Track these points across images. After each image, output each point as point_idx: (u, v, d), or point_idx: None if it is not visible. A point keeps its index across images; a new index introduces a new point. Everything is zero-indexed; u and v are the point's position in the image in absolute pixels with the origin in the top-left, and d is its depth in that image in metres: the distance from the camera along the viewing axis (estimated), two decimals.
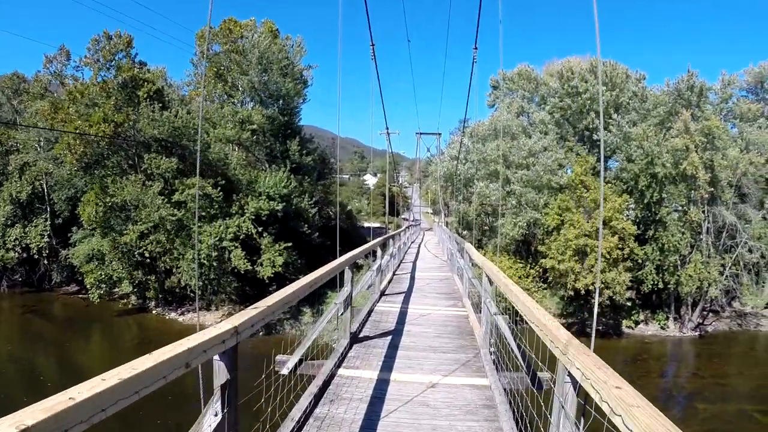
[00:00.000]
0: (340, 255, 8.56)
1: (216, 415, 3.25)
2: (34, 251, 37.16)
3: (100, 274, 32.16)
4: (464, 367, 7.19)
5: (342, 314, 8.10)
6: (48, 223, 37.76)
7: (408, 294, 14.14)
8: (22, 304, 34.81)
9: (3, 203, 37.46)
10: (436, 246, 37.47)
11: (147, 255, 31.03)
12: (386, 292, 14.17)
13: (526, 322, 4.46)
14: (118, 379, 2.12)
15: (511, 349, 6.18)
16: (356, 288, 11.71)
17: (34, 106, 38.80)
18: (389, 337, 8.89)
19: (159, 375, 2.42)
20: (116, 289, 33.91)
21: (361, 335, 9.06)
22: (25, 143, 38.78)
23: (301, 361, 6.64)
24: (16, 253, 37.11)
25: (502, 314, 6.96)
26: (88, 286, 33.18)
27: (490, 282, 7.45)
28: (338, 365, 7.10)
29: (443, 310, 11.79)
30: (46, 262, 38.63)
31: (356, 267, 25.69)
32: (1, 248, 37.08)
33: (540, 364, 5.01)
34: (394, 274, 18.49)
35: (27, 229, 37.38)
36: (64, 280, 39.02)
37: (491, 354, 7.46)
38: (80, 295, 35.86)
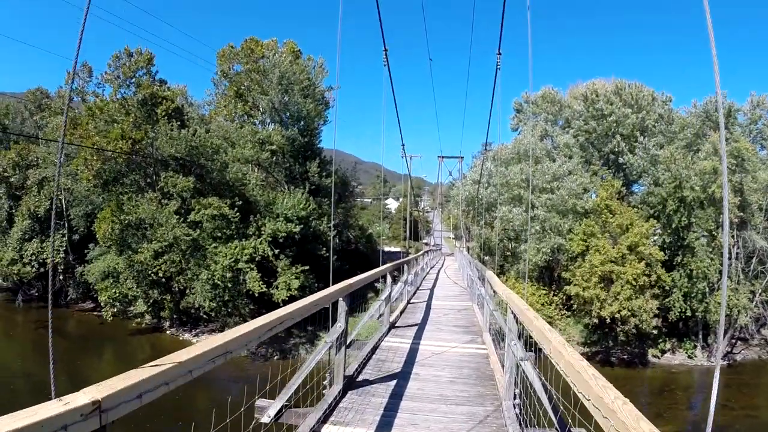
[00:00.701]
0: (334, 283, 7.08)
1: None
2: (50, 266, 36.23)
3: (115, 292, 31.22)
4: (482, 425, 5.60)
5: (335, 355, 6.57)
6: (65, 238, 36.94)
7: (421, 326, 12.42)
8: (36, 319, 33.57)
9: (21, 217, 36.92)
10: (456, 272, 35.59)
11: (161, 275, 29.89)
12: (397, 324, 12.48)
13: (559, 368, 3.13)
14: None
15: (541, 401, 4.70)
16: (363, 318, 10.29)
17: (54, 121, 38.43)
18: (393, 382, 7.29)
19: None
20: (131, 308, 32.91)
21: (360, 378, 7.53)
22: (44, 158, 38.13)
23: (285, 406, 5.24)
24: (33, 268, 36.35)
25: (526, 348, 5.51)
26: (102, 304, 32.31)
27: (516, 320, 5.77)
28: (324, 419, 5.56)
29: (460, 348, 10.05)
30: (61, 277, 37.68)
31: (374, 291, 23.79)
32: (18, 262, 36.38)
33: (571, 409, 3.61)
34: (408, 302, 16.65)
35: (44, 244, 36.59)
36: (80, 297, 38.12)
37: (515, 408, 5.84)
38: (95, 313, 34.84)
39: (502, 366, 7.39)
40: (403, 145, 21.26)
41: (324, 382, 6.35)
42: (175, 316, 32.73)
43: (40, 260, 36.37)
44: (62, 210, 37.02)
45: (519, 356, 5.36)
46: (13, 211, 38.52)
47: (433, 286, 24.47)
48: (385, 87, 12.95)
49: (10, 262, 36.36)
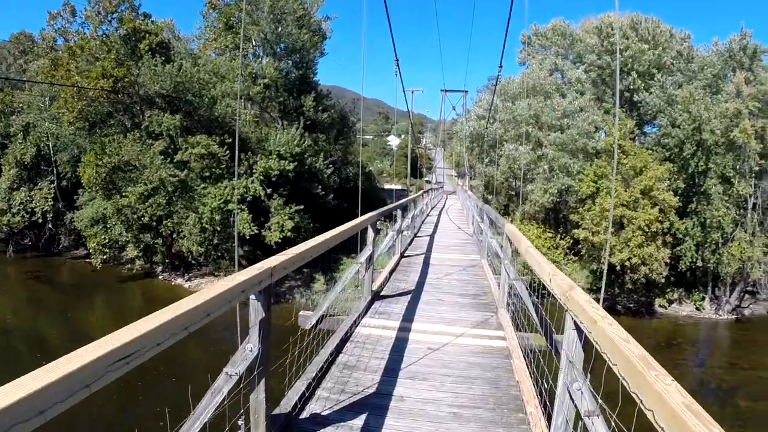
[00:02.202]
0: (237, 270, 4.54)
1: None
2: (39, 215, 34.78)
3: (104, 238, 29.51)
4: None
5: (251, 393, 3.66)
6: (53, 186, 35.21)
7: (415, 296, 9.27)
8: (27, 270, 32.41)
9: (8, 166, 34.97)
10: (460, 213, 33.25)
11: (147, 219, 27.99)
12: (383, 293, 9.40)
13: None
14: None
15: None
16: (336, 286, 7.34)
17: (35, 64, 36.69)
18: (360, 421, 4.40)
19: None
20: (123, 254, 31.36)
21: (305, 414, 4.51)
22: (29, 104, 36.16)
23: None
24: (22, 217, 34.73)
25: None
26: (90, 251, 30.76)
27: (584, 341, 3.05)
28: None
29: (468, 337, 6.98)
30: (51, 226, 36.21)
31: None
32: (7, 212, 34.69)
33: None
34: (402, 255, 13.64)
35: (32, 192, 34.96)
36: (72, 244, 36.59)
37: None
38: (88, 260, 32.80)
39: (537, 387, 4.84)
40: (397, 59, 18.32)
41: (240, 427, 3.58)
42: (167, 261, 31.12)
43: (29, 209, 34.73)
44: (49, 156, 35.18)
45: (587, 409, 2.85)
46: (0, 159, 36.62)
47: (433, 231, 21.48)
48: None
49: None
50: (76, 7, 36.22)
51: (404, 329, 7.25)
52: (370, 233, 8.76)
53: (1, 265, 34.67)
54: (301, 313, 6.68)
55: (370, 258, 8.65)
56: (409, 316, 7.94)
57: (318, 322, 6.53)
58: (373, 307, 8.37)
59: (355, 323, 7.26)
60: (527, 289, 6.56)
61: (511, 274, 7.54)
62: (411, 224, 18.06)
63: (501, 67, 17.45)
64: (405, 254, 14.20)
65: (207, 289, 2.77)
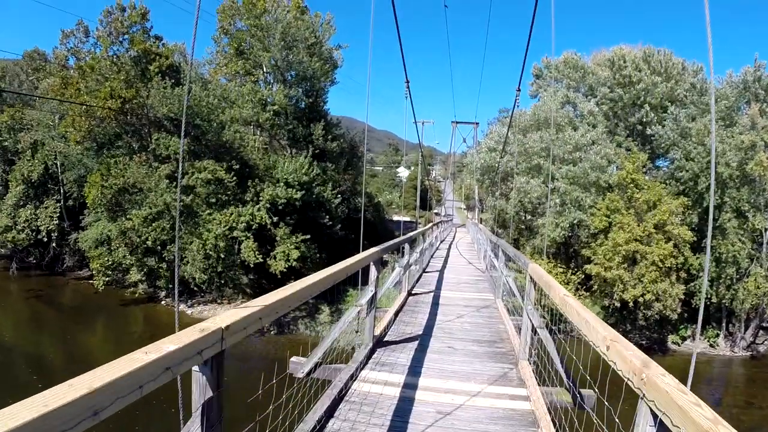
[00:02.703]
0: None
1: None
2: (44, 234, 34.14)
3: (107, 260, 28.78)
4: None
5: None
6: (59, 204, 34.67)
7: (423, 343, 8.18)
8: (30, 288, 31.85)
9: (15, 183, 34.46)
10: (470, 247, 32.34)
11: (151, 243, 27.34)
12: (387, 338, 8.33)
13: None
14: None
15: None
16: (333, 332, 6.32)
17: (45, 83, 36.60)
18: None
19: None
20: (127, 277, 30.50)
21: None
22: (39, 121, 35.72)
23: None
24: (27, 235, 34.17)
25: None
26: (93, 273, 30.07)
27: None
28: None
29: (485, 396, 5.90)
30: (55, 245, 35.59)
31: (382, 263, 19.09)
32: (12, 229, 34.07)
33: None
34: (409, 293, 12.55)
35: (38, 210, 34.40)
36: (76, 265, 35.89)
37: None
38: (91, 281, 32.33)
39: None
40: (408, 81, 17.24)
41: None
42: (170, 286, 30.25)
43: (34, 227, 34.17)
44: (57, 175, 34.70)
45: None
46: (7, 176, 36.20)
47: (443, 267, 20.13)
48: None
49: (3, 230, 34.14)
50: (90, 26, 36.10)
51: (410, 386, 6.19)
52: (373, 271, 7.52)
53: (4, 282, 34.29)
54: (293, 359, 5.71)
55: (372, 300, 7.44)
56: (416, 369, 6.87)
57: (312, 370, 5.71)
58: (374, 356, 7.33)
59: (353, 377, 6.23)
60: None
61: (534, 322, 6.45)
62: (419, 258, 16.71)
63: (519, 90, 16.54)
64: (413, 292, 13.14)
65: (102, 368, 1.74)
